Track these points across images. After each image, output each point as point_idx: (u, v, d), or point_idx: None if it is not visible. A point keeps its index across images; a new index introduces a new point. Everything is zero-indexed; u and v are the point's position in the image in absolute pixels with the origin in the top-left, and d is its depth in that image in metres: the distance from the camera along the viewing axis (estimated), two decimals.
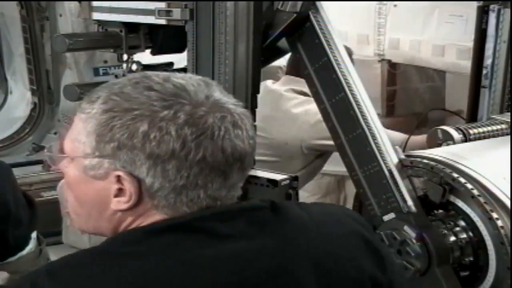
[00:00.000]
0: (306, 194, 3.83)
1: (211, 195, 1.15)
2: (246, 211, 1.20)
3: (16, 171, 1.96)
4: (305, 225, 1.22)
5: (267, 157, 3.00)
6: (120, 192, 1.12)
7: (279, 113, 3.06)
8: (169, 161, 1.09)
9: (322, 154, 3.12)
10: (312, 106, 2.98)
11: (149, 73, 1.15)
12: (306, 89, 3.02)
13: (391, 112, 3.87)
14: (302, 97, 3.08)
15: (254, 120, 2.00)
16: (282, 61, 3.37)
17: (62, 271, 1.08)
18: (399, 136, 3.05)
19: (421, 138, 2.92)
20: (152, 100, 1.10)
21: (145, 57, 2.17)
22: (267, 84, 3.19)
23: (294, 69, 3.15)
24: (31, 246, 1.77)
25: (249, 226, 1.17)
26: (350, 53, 3.24)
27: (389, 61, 3.73)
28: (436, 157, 1.83)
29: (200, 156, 1.10)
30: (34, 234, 1.79)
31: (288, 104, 3.08)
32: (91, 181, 1.14)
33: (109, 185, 1.12)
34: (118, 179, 1.11)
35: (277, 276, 1.14)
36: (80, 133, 1.14)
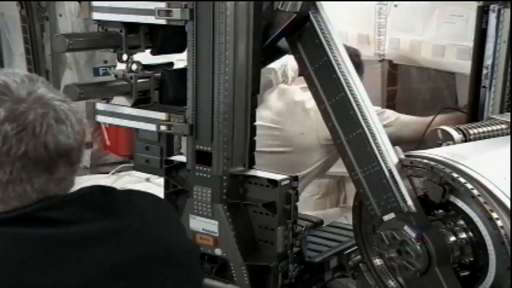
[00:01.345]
0: (306, 194, 3.83)
1: (38, 189, 1.19)
2: (78, 198, 1.25)
3: None
4: (132, 206, 1.32)
5: (283, 148, 3.11)
6: None
7: (293, 106, 3.18)
8: None
9: None
10: None
11: None
12: None
13: None
14: None
15: (254, 120, 2.00)
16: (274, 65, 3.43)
17: None
18: (422, 119, 3.15)
19: (448, 116, 3.02)
20: None
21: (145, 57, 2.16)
22: (280, 86, 3.36)
23: None
24: None
25: (85, 211, 1.23)
26: (358, 54, 3.32)
27: (389, 61, 3.72)
28: (436, 157, 1.83)
29: (22, 151, 1.14)
30: None
31: (301, 98, 3.19)
32: None
33: None
34: None
35: (127, 252, 1.23)
36: None
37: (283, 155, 3.10)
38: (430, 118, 3.22)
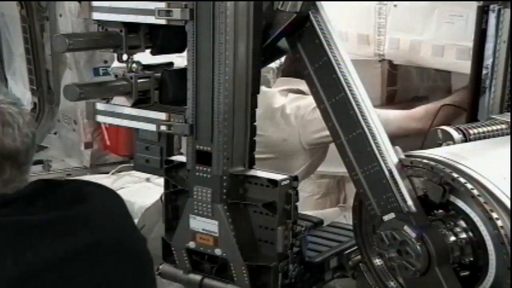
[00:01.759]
0: (306, 194, 3.84)
1: None
2: (23, 195, 1.31)
3: None
4: (80, 198, 1.38)
5: (266, 154, 3.03)
6: None
7: (272, 113, 3.08)
8: None
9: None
10: (303, 101, 3.00)
11: None
12: (302, 86, 3.03)
13: None
14: (293, 95, 3.10)
15: (254, 120, 2.00)
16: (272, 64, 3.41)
17: None
18: (406, 114, 3.12)
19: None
20: None
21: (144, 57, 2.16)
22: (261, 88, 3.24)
23: (291, 70, 3.18)
24: None
25: (29, 206, 1.29)
26: None
27: (389, 61, 3.72)
28: (436, 157, 1.83)
29: None
30: None
31: (280, 103, 3.11)
32: None
33: None
34: None
35: (70, 241, 1.31)
36: None
37: (267, 161, 3.04)
38: (412, 111, 3.18)
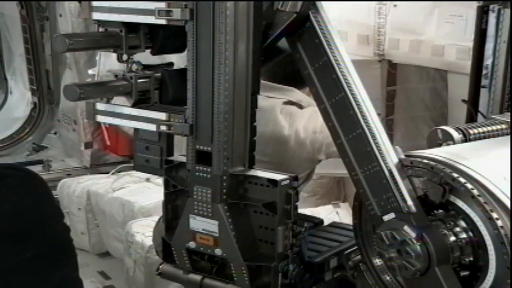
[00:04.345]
0: (306, 194, 3.84)
1: None
2: None
3: None
4: None
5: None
6: None
7: (285, 141, 2.84)
8: None
9: None
10: (316, 121, 2.79)
11: None
12: (290, 96, 2.88)
13: (391, 112, 3.88)
14: (296, 111, 2.88)
15: (254, 120, 2.00)
16: None
17: None
18: None
19: None
20: None
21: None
22: (262, 107, 2.63)
23: (271, 74, 2.95)
24: None
25: None
26: None
27: (389, 61, 3.73)
28: (436, 157, 1.83)
29: None
30: None
31: (289, 127, 2.86)
32: None
33: None
34: None
35: None
36: None
37: None
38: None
